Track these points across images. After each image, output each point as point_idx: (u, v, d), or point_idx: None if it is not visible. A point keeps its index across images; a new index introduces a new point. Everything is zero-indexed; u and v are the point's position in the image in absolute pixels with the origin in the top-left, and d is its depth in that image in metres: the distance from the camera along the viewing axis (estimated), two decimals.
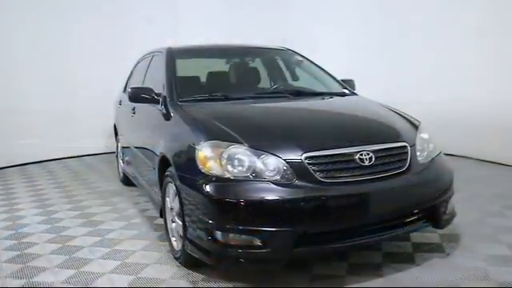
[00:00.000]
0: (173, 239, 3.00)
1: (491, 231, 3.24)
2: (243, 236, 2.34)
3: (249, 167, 2.40)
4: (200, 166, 2.48)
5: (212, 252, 2.43)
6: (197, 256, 2.57)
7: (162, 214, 3.16)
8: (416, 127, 2.94)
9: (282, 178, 2.36)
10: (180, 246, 2.81)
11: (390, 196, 2.48)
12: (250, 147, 2.45)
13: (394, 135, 2.76)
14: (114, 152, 7.04)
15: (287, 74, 4.01)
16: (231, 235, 2.36)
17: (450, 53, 5.64)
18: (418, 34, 6.01)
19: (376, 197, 2.43)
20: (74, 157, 7.09)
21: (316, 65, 3.97)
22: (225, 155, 2.44)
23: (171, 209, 2.95)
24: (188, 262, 2.78)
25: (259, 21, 7.12)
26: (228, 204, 2.34)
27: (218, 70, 3.96)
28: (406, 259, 2.84)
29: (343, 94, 3.58)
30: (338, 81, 3.79)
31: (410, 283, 2.54)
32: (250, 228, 2.31)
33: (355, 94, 3.64)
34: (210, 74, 3.82)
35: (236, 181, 2.37)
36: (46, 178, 5.77)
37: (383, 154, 2.56)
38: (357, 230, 2.45)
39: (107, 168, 6.25)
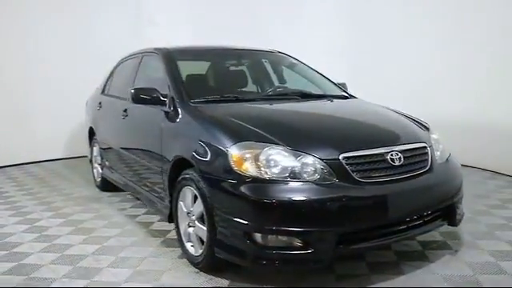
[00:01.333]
0: (188, 244, 2.92)
1: (486, 229, 3.43)
2: (283, 237, 2.33)
3: (287, 168, 2.39)
4: (235, 168, 2.43)
5: (249, 254, 2.40)
6: (228, 259, 2.53)
7: (173, 218, 3.07)
8: (427, 128, 3.07)
9: (321, 178, 2.38)
10: (201, 250, 2.74)
11: (419, 195, 2.58)
12: (287, 148, 2.45)
13: (415, 136, 2.87)
14: (74, 157, 6.88)
15: (284, 77, 4.03)
16: (270, 236, 2.34)
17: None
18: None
19: (408, 196, 2.52)
20: (32, 162, 6.68)
21: (312, 68, 4.04)
22: (262, 156, 2.41)
23: (188, 213, 2.87)
24: (210, 266, 2.72)
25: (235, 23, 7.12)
26: (267, 205, 2.32)
27: (218, 71, 3.91)
28: (419, 257, 2.95)
29: (345, 97, 3.65)
30: (336, 84, 3.87)
31: (431, 279, 2.63)
32: (291, 229, 2.30)
33: (355, 97, 3.73)
34: (214, 75, 3.77)
35: (275, 181, 2.36)
36: (10, 185, 5.40)
37: (409, 154, 2.65)
38: (391, 227, 2.51)
39: (73, 173, 5.97)
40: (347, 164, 2.44)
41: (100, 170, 4.91)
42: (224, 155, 2.51)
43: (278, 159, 2.41)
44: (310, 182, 2.36)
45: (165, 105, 3.22)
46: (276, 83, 3.96)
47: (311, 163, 2.41)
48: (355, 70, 6.25)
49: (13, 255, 3.16)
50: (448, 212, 2.77)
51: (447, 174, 2.79)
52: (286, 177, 2.37)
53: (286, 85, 3.96)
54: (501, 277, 2.63)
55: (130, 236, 3.52)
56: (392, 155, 2.57)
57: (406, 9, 5.98)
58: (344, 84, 3.96)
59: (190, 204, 2.84)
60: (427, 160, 2.74)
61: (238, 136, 2.57)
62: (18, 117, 6.46)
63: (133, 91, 3.26)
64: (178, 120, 3.07)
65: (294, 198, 2.31)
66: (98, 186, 5.04)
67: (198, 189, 2.66)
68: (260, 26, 6.91)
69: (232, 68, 4.02)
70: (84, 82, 6.54)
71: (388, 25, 6.14)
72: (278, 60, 4.16)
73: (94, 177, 5.18)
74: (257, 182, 2.37)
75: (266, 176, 2.38)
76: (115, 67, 4.82)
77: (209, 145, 2.66)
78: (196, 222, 2.77)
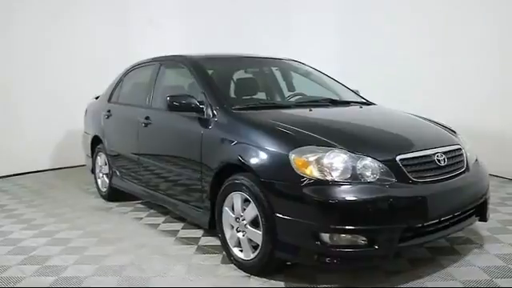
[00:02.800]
0: (235, 250, 2.98)
1: (499, 224, 3.68)
2: (349, 235, 2.45)
3: (348, 169, 2.52)
4: (298, 171, 2.53)
5: (315, 253, 2.50)
6: (290, 259, 2.67)
7: (216, 225, 3.11)
8: (455, 132, 3.29)
9: (381, 178, 2.53)
10: (253, 254, 2.82)
11: (461, 192, 2.78)
12: (347, 150, 2.58)
13: (450, 139, 3.08)
14: (63, 167, 6.71)
15: (305, 84, 4.15)
16: (336, 236, 2.45)
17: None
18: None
19: (453, 193, 2.72)
20: (18, 174, 6.45)
21: (328, 75, 4.19)
22: (325, 159, 2.53)
23: (236, 218, 2.93)
24: (264, 269, 2.79)
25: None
26: (334, 205, 2.44)
27: (245, 78, 4.00)
28: (451, 252, 3.14)
29: (368, 103, 3.82)
30: (353, 91, 4.04)
31: (473, 270, 2.82)
32: (358, 227, 2.44)
33: (374, 103, 3.90)
34: (242, 83, 3.85)
35: (338, 183, 2.48)
36: (6, 198, 5.20)
37: (450, 156, 2.86)
38: (440, 223, 2.69)
39: (68, 184, 5.81)
40: (403, 165, 2.61)
41: (107, 180, 4.83)
42: (285, 160, 2.60)
43: (341, 162, 2.53)
44: (372, 182, 2.50)
45: (201, 112, 3.27)
46: (296, 90, 4.07)
47: (371, 165, 2.55)
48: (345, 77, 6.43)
49: (48, 268, 3.09)
50: (480, 208, 2.98)
51: (479, 173, 3.02)
52: (347, 178, 2.50)
53: (303, 91, 4.07)
54: None
55: (162, 244, 3.52)
56: (438, 156, 2.77)
57: (396, 19, 6.20)
58: (358, 91, 4.13)
59: (239, 209, 2.90)
60: (463, 161, 2.95)
61: (299, 141, 2.68)
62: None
63: (168, 98, 3.29)
64: (221, 127, 3.13)
65: (359, 198, 2.45)
66: (103, 196, 4.96)
67: (252, 193, 2.74)
68: (251, 34, 7.02)
69: (256, 75, 4.10)
70: (71, 92, 6.52)
71: (378, 35, 6.37)
72: (294, 68, 4.28)
73: (97, 187, 5.09)
74: (321, 184, 2.48)
75: (330, 178, 2.49)
76: (123, 75, 4.78)
77: (266, 150, 2.75)
78: (248, 226, 2.84)
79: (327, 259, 2.49)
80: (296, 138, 2.73)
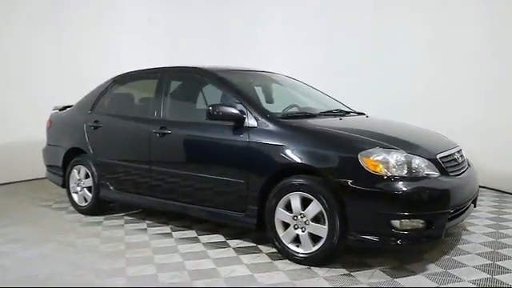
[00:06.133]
0: (291, 246, 3.26)
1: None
2: (412, 220, 2.93)
3: (406, 167, 3.00)
4: (369, 170, 2.95)
5: (386, 237, 2.94)
6: (361, 245, 3.07)
7: (266, 225, 3.36)
8: (445, 136, 3.99)
9: (429, 173, 3.06)
10: (314, 248, 3.14)
11: (471, 184, 3.44)
12: (404, 151, 3.08)
13: (452, 142, 3.74)
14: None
15: (299, 96, 4.52)
16: (404, 221, 2.92)
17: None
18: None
19: (468, 184, 3.37)
20: None
21: (316, 89, 4.65)
22: (391, 159, 2.99)
23: (294, 217, 3.22)
24: (326, 260, 3.15)
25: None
26: (401, 196, 2.91)
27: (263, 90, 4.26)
28: (458, 234, 3.81)
29: (362, 114, 4.35)
30: (341, 102, 4.53)
31: (474, 239, 3.52)
32: (419, 213, 2.95)
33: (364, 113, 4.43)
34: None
35: (402, 178, 2.95)
36: None
37: (460, 155, 3.53)
38: (463, 208, 3.32)
39: (25, 202, 5.39)
40: (443, 162, 3.20)
41: (89, 194, 4.64)
42: (354, 161, 3.00)
43: (401, 160, 3.02)
44: (424, 176, 3.03)
45: (242, 121, 3.49)
46: (294, 101, 4.43)
47: (421, 162, 3.08)
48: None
49: None
50: (475, 198, 3.70)
51: (474, 168, 3.74)
52: (407, 173, 2.99)
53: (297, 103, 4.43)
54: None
55: (205, 251, 3.59)
56: (455, 155, 3.42)
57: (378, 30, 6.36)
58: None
59: (298, 208, 3.20)
60: (466, 159, 3.65)
61: (364, 144, 3.11)
62: None
63: (210, 108, 3.45)
64: (270, 134, 3.37)
65: (420, 189, 2.96)
66: (81, 211, 4.74)
67: (316, 192, 3.09)
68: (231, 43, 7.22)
69: (264, 88, 4.37)
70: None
71: (358, 50, 6.48)
72: (289, 82, 4.66)
73: (73, 202, 4.83)
74: (389, 179, 2.93)
75: (395, 174, 2.96)
76: (110, 85, 4.67)
77: (331, 153, 3.13)
78: (310, 222, 3.16)
79: (398, 241, 2.94)
80: (361, 141, 3.16)
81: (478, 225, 4.06)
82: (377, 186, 2.93)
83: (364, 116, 4.19)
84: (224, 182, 3.60)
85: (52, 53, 6.71)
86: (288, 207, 3.27)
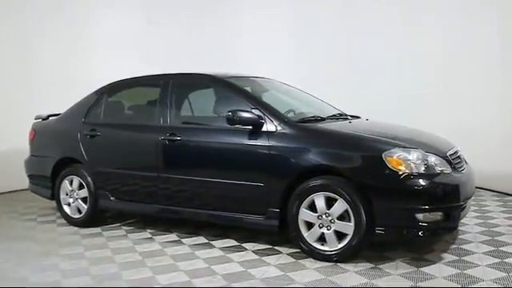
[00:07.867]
0: (315, 244, 3.39)
1: None
2: (433, 213, 3.17)
3: (424, 164, 3.24)
4: (394, 168, 3.16)
5: (411, 229, 3.16)
6: (387, 238, 3.27)
7: (289, 226, 3.47)
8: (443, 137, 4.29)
9: (443, 169, 3.30)
10: (340, 245, 3.30)
11: (473, 179, 3.73)
12: (421, 150, 3.31)
13: (450, 142, 4.04)
14: None
15: (293, 101, 4.62)
16: (426, 214, 3.15)
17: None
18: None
19: (470, 180, 3.63)
20: None
21: (310, 94, 4.82)
22: (411, 157, 3.22)
23: (318, 216, 3.36)
24: (352, 256, 3.30)
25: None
26: (424, 191, 3.15)
27: (270, 96, 4.31)
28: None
29: (358, 117, 4.55)
30: (333, 106, 4.71)
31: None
32: (439, 206, 3.20)
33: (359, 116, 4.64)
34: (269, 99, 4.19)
35: (422, 174, 3.18)
36: None
37: (460, 153, 3.81)
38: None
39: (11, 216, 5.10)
40: (452, 159, 3.47)
41: (84, 205, 4.50)
42: (378, 160, 3.20)
43: (420, 158, 3.25)
44: (440, 173, 3.27)
45: (260, 126, 3.58)
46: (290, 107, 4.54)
47: (436, 160, 3.32)
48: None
49: None
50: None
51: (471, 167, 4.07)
52: (424, 170, 3.22)
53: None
54: None
55: (226, 256, 3.61)
56: (458, 153, 3.72)
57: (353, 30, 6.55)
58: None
59: (323, 207, 3.34)
60: (463, 158, 3.97)
61: (386, 145, 3.31)
62: None
63: (230, 113, 3.52)
64: (291, 138, 3.49)
65: (439, 184, 3.21)
66: (75, 223, 4.58)
67: (341, 191, 3.25)
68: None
69: (266, 93, 4.45)
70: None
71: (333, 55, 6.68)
72: (283, 87, 4.78)
73: (65, 214, 4.65)
74: (411, 176, 3.15)
75: (416, 171, 3.18)
76: (103, 94, 4.56)
77: (355, 154, 3.32)
78: (336, 220, 3.31)
79: (420, 233, 3.16)
80: (383, 142, 3.36)
81: (467, 217, 4.41)
82: (401, 183, 3.14)
83: (364, 119, 4.42)
84: (243, 186, 3.66)
85: (18, 63, 6.43)
86: (311, 207, 3.40)
